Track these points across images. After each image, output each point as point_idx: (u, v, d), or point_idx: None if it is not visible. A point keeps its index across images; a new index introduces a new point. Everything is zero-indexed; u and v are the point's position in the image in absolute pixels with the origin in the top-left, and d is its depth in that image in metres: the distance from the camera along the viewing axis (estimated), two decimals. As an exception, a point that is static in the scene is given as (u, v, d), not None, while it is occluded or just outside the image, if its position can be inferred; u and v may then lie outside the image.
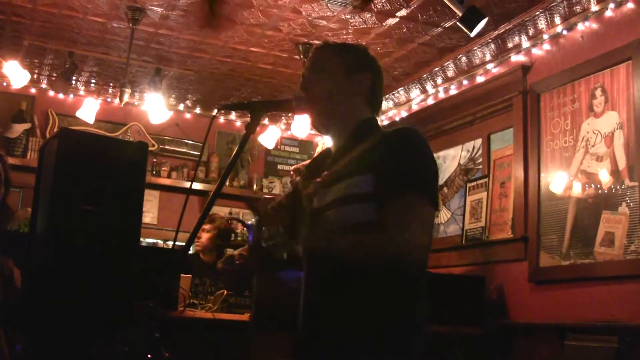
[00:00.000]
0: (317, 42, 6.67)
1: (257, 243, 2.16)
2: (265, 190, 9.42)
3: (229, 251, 7.24)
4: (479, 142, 7.24)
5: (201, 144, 9.32)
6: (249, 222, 2.21)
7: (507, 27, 6.23)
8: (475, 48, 6.72)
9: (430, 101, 7.93)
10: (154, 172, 8.98)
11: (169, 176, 9.08)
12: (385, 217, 2.33)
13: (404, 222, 2.31)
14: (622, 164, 5.29)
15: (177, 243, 3.78)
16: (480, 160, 7.18)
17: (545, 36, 6.20)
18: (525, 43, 6.40)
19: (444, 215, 7.58)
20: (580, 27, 5.86)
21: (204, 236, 6.75)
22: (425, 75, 7.55)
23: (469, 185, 7.21)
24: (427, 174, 2.43)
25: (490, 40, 6.52)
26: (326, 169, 2.61)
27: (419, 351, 2.42)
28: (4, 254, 4.75)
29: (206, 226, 6.78)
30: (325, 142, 8.27)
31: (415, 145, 2.46)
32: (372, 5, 5.99)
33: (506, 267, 6.32)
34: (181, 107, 9.28)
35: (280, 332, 2.38)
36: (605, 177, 5.40)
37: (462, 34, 6.19)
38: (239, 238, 8.86)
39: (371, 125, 2.64)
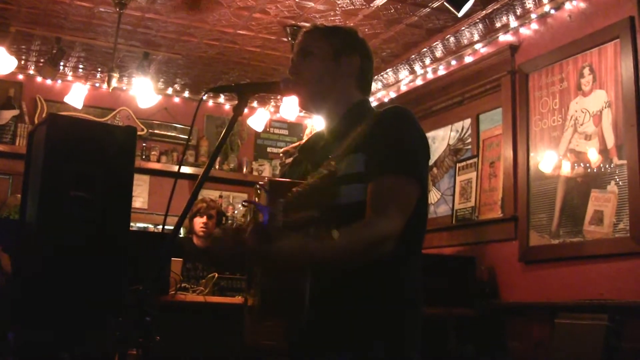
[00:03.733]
0: (304, 24, 6.66)
1: (273, 226, 2.13)
2: (255, 173, 9.42)
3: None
4: (467, 122, 7.25)
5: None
6: (264, 204, 2.18)
7: (495, 7, 6.23)
8: (463, 28, 6.72)
9: (419, 82, 7.93)
10: (144, 157, 8.97)
11: (158, 160, 9.08)
12: (368, 196, 2.33)
13: (382, 203, 2.31)
14: (610, 142, 5.30)
15: (166, 227, 3.79)
16: (470, 140, 7.19)
17: (533, 16, 6.19)
18: (513, 23, 6.40)
19: (434, 195, 7.59)
20: (568, 6, 5.86)
21: (211, 223, 6.77)
22: (413, 56, 7.54)
23: (458, 165, 7.22)
24: (411, 152, 2.42)
25: (478, 21, 6.52)
26: (319, 151, 2.61)
27: (411, 334, 2.43)
28: None
29: (212, 212, 6.79)
30: (314, 124, 8.27)
31: (401, 123, 2.45)
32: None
33: (496, 247, 6.34)
34: (170, 91, 9.27)
35: (285, 317, 2.36)
36: (594, 156, 5.42)
37: (450, 15, 6.19)
38: (230, 221, 8.87)
39: (364, 107, 2.65)
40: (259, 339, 2.44)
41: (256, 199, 2.36)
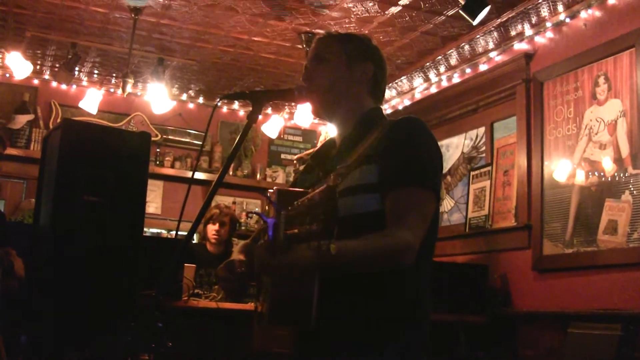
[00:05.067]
0: (319, 30, 6.67)
1: (279, 238, 2.14)
2: (269, 180, 9.43)
3: (235, 241, 7.25)
4: (482, 130, 7.23)
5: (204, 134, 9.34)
6: (270, 218, 2.18)
7: (510, 15, 6.22)
8: (478, 36, 6.71)
9: (434, 90, 7.92)
10: (158, 162, 8.99)
11: (172, 166, 9.09)
12: (387, 209, 2.33)
13: (403, 215, 2.31)
14: (625, 151, 5.28)
15: (179, 233, 3.78)
16: (484, 148, 7.18)
17: (548, 24, 6.18)
18: (528, 31, 6.39)
19: (447, 203, 7.58)
20: (583, 14, 5.85)
21: (224, 230, 6.75)
22: (428, 64, 7.54)
23: (472, 173, 7.20)
24: (429, 164, 2.42)
25: (493, 29, 6.51)
26: (331, 159, 2.61)
27: (420, 343, 2.42)
28: (5, 246, 4.78)
29: (225, 219, 6.77)
30: (328, 131, 8.27)
31: (417, 135, 2.45)
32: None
33: (510, 255, 6.33)
34: (184, 97, 9.29)
35: (295, 325, 2.36)
36: (608, 165, 5.40)
37: (465, 22, 6.18)
38: (243, 228, 8.87)
39: (377, 115, 2.64)
40: (269, 346, 2.44)
41: (266, 208, 2.36)
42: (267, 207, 2.38)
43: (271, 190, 2.39)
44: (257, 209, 9.22)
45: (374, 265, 2.27)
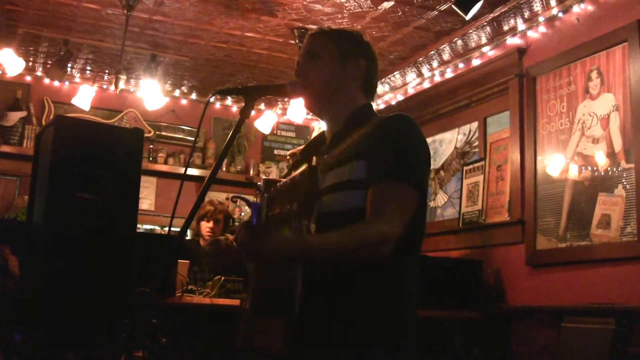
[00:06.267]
0: (312, 26, 6.66)
1: (261, 222, 2.15)
2: (262, 176, 9.42)
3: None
4: (475, 125, 7.23)
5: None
6: (254, 201, 2.20)
7: (503, 10, 6.23)
8: (471, 31, 6.71)
9: (427, 85, 7.91)
10: (151, 159, 8.98)
11: (165, 162, 9.09)
12: (367, 202, 2.33)
13: (381, 207, 2.31)
14: (618, 146, 5.29)
15: (173, 229, 3.77)
16: (477, 143, 7.18)
17: (541, 19, 6.18)
18: (521, 26, 6.38)
19: (440, 198, 7.58)
20: (576, 9, 5.85)
21: (218, 228, 6.73)
22: (421, 59, 7.54)
23: (465, 168, 7.20)
24: (413, 160, 2.42)
25: (485, 23, 6.51)
26: (321, 154, 2.61)
27: (407, 338, 2.42)
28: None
29: (219, 216, 6.76)
30: (321, 127, 8.27)
31: (404, 132, 2.45)
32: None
33: (503, 250, 6.33)
34: (177, 93, 9.28)
35: (278, 317, 2.36)
36: (601, 160, 5.40)
37: (458, 17, 6.18)
38: (236, 224, 8.86)
39: (367, 111, 2.65)
40: (253, 341, 2.44)
41: (256, 199, 2.37)
42: (256, 199, 2.39)
43: (260, 183, 2.40)
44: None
45: (350, 254, 2.28)
